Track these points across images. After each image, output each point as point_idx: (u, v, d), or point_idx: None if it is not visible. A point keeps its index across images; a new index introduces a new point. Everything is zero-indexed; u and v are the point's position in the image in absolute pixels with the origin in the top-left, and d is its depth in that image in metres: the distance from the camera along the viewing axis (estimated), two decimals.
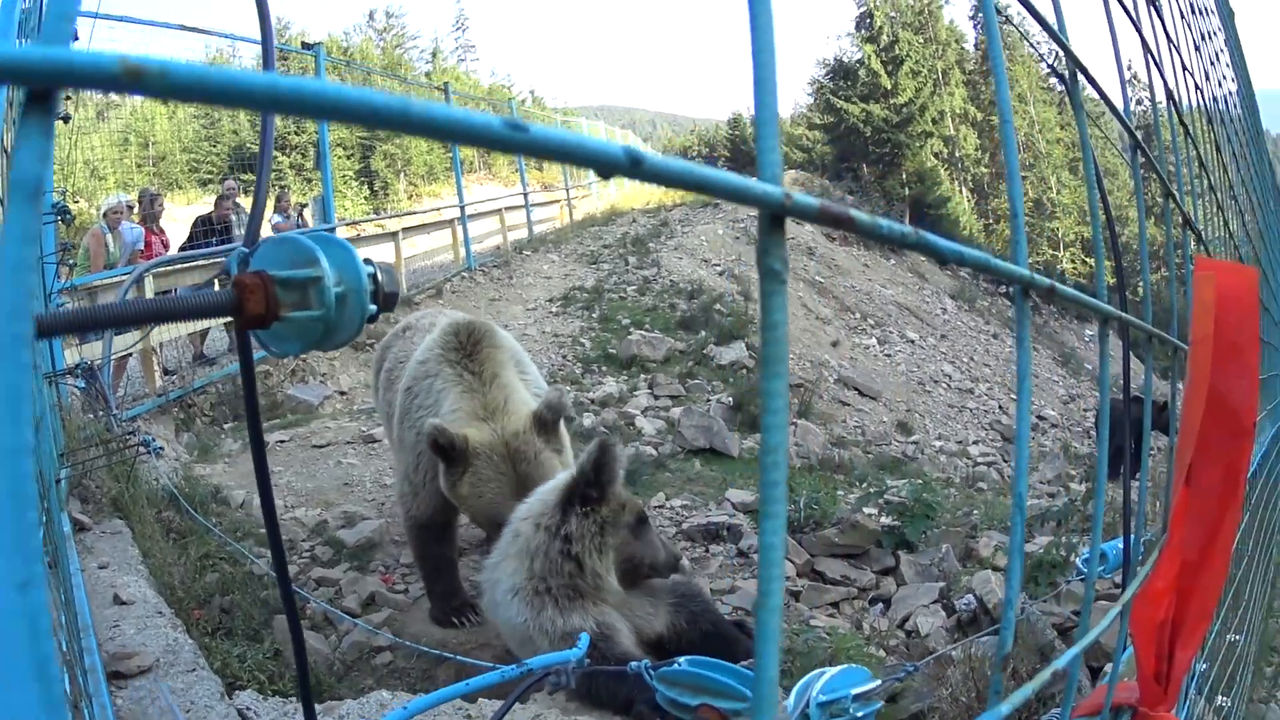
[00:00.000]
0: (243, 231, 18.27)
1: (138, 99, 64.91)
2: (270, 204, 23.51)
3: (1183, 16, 4.67)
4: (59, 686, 0.49)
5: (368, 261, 1.47)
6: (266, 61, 2.05)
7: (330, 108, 0.59)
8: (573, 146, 0.71)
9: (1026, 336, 1.33)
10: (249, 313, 1.25)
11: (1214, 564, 2.32)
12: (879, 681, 3.12)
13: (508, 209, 30.11)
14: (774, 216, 0.82)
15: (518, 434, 6.73)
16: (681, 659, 2.96)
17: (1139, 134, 2.34)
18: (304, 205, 23.02)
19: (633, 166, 0.72)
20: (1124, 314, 2.07)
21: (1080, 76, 2.00)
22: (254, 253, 1.40)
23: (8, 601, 0.48)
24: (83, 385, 9.61)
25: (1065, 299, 1.50)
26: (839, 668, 2.95)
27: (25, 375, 0.49)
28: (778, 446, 0.80)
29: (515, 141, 0.67)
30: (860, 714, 2.88)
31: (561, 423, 7.10)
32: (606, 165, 0.72)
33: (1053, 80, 71.32)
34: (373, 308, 1.46)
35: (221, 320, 17.52)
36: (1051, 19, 1.88)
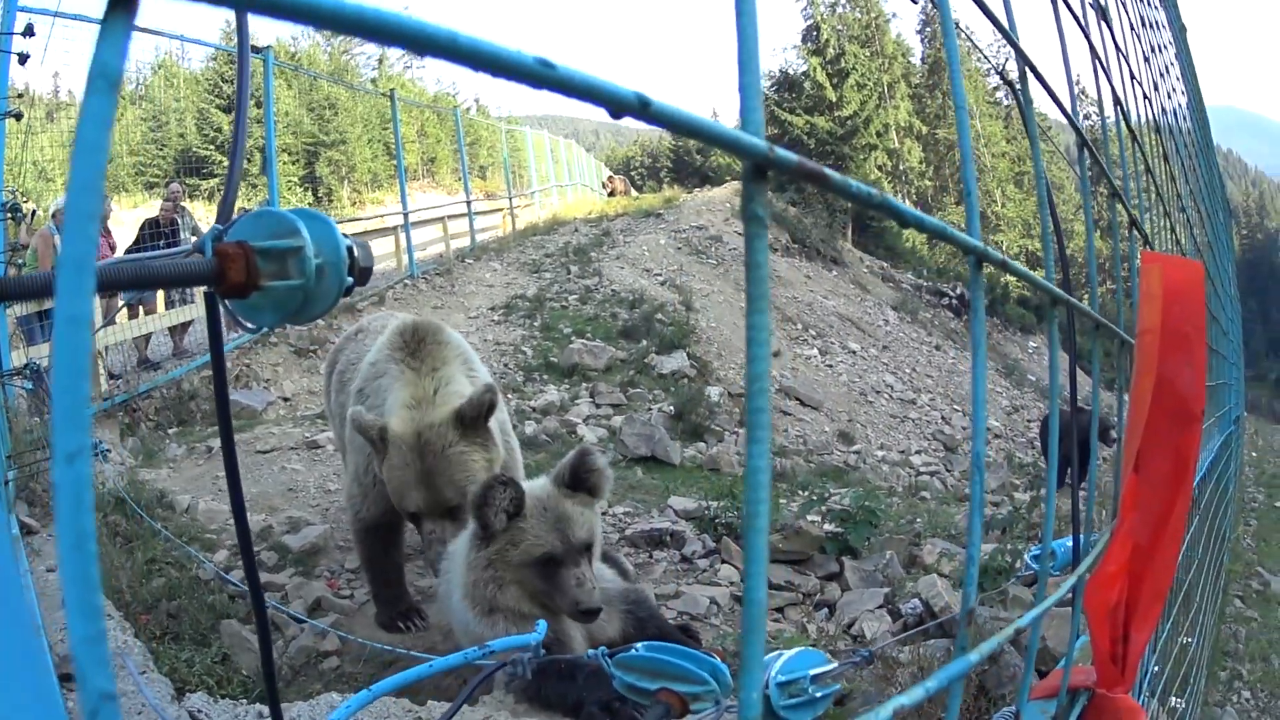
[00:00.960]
0: (189, 235, 18.28)
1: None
2: (213, 208, 23.41)
3: (1133, 29, 4.73)
4: (95, 565, 0.50)
5: (345, 235, 1.50)
6: (241, 77, 2.07)
7: (372, 27, 0.62)
8: (595, 85, 0.75)
9: (980, 305, 1.37)
10: (230, 281, 1.27)
11: (1165, 547, 2.37)
12: (835, 664, 3.14)
13: (451, 217, 30.04)
14: (758, 166, 0.86)
15: (432, 425, 6.73)
16: (639, 644, 2.97)
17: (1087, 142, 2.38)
18: (246, 210, 22.93)
19: (642, 109, 0.78)
20: (1069, 297, 2.10)
21: (1030, 76, 2.03)
22: (231, 226, 1.40)
23: (59, 472, 0.49)
24: (29, 387, 9.54)
25: (1015, 274, 1.54)
26: (795, 649, 2.96)
27: (90, 247, 0.51)
28: (761, 374, 0.87)
29: (546, 77, 0.72)
30: (819, 695, 2.90)
31: (495, 423, 7.09)
32: (621, 105, 0.77)
33: (999, 94, 71.88)
34: (350, 280, 1.49)
35: (180, 320, 17.58)
36: (1003, 19, 1.91)
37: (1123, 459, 2.41)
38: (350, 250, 1.50)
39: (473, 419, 6.84)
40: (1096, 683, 2.39)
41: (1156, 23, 6.57)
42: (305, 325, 12.51)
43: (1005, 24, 1.90)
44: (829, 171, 0.94)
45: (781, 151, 0.87)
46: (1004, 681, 6.22)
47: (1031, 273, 1.67)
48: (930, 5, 73.05)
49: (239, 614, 7.39)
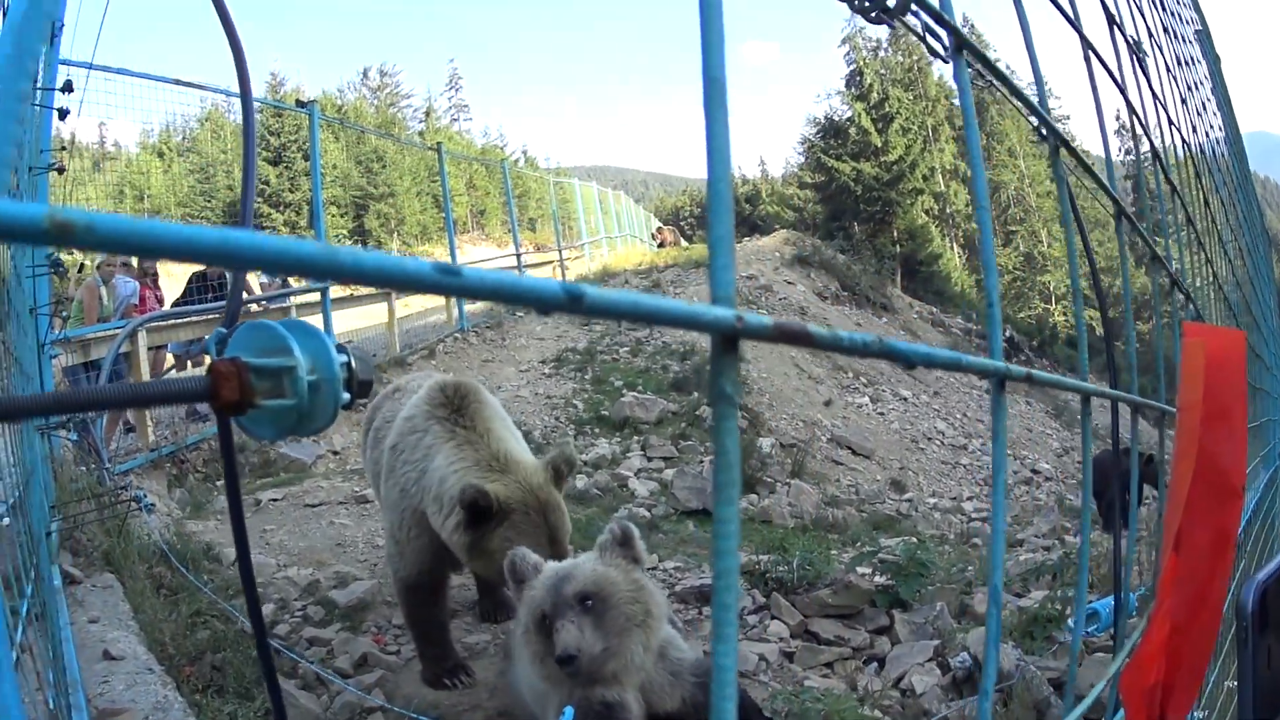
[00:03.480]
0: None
1: (134, 151, 64.91)
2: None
3: (1169, 70, 4.72)
4: None
5: (341, 349, 1.47)
6: (246, 119, 2.09)
7: (254, 258, 0.62)
8: (508, 287, 0.72)
9: (1003, 430, 1.36)
10: (223, 400, 1.26)
11: (1204, 626, 2.35)
12: None
13: (501, 269, 30.11)
14: (726, 339, 0.82)
15: (541, 485, 6.70)
16: None
17: (1128, 183, 2.40)
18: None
19: (572, 303, 0.73)
20: (1106, 390, 2.11)
21: (1063, 150, 2.05)
22: (231, 335, 1.42)
23: None
24: (75, 438, 9.60)
25: (1043, 383, 1.54)
26: None
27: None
28: (729, 571, 0.82)
29: (447, 285, 0.69)
30: None
31: None
32: (544, 303, 0.73)
33: (1034, 137, 71.59)
34: (346, 396, 1.46)
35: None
36: (1031, 91, 1.93)
37: (1162, 539, 2.40)
38: (347, 365, 1.47)
39: (564, 476, 6.93)
40: None
41: (1192, 58, 6.55)
42: (309, 436, 12.44)
43: (1035, 99, 1.92)
44: (812, 329, 0.91)
45: (752, 319, 0.84)
46: None
47: (1060, 378, 1.69)
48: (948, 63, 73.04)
49: (284, 668, 7.37)
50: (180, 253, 0.58)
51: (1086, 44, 2.88)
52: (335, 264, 0.64)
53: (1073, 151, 2.06)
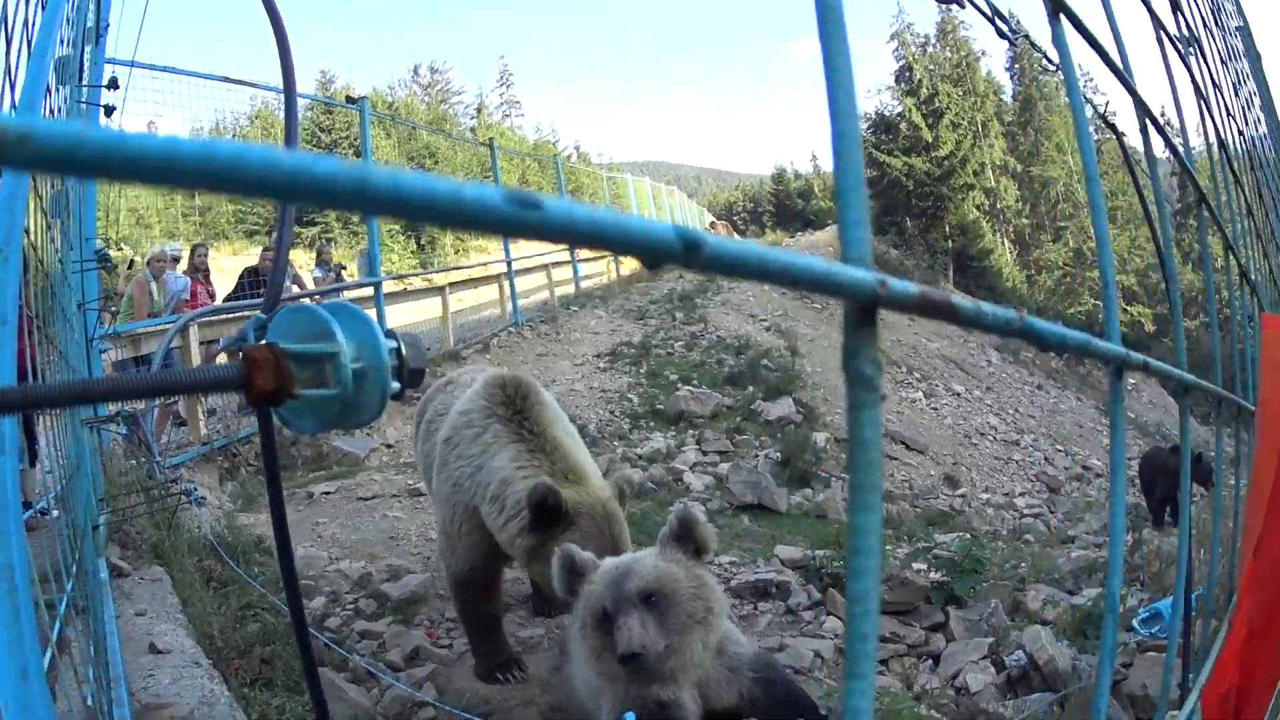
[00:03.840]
0: (290, 285, 18.37)
1: None
2: (313, 256, 23.58)
3: (1222, 61, 4.62)
4: None
5: (390, 334, 1.38)
6: (289, 111, 2.01)
7: (257, 180, 0.50)
8: (608, 229, 0.58)
9: (1120, 418, 1.27)
10: (258, 389, 1.17)
11: None
12: None
13: (555, 264, 30.15)
14: (863, 309, 0.71)
15: (609, 499, 6.69)
16: None
17: (1173, 179, 2.32)
18: (343, 266, 22.85)
19: (688, 252, 0.60)
20: (1202, 382, 2.02)
21: (1150, 126, 1.96)
22: (270, 320, 1.32)
23: None
24: (125, 432, 9.60)
25: (1156, 373, 1.46)
26: None
27: None
28: (866, 594, 0.70)
29: (522, 222, 0.54)
30: None
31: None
32: (652, 251, 0.60)
33: (1092, 129, 71.18)
34: (395, 385, 1.36)
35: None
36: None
37: (1240, 543, 2.32)
38: (396, 352, 1.37)
39: (628, 498, 6.97)
40: None
41: (1236, 51, 6.45)
42: (354, 429, 12.33)
43: (1120, 69, 1.84)
44: (957, 301, 0.79)
45: (896, 285, 0.72)
46: None
47: (1172, 369, 1.61)
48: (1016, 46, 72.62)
49: (334, 662, 7.33)
50: (149, 173, 0.46)
51: (1157, 22, 2.78)
52: (366, 188, 0.50)
53: (1160, 128, 1.97)
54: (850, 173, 0.73)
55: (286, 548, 1.72)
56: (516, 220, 0.54)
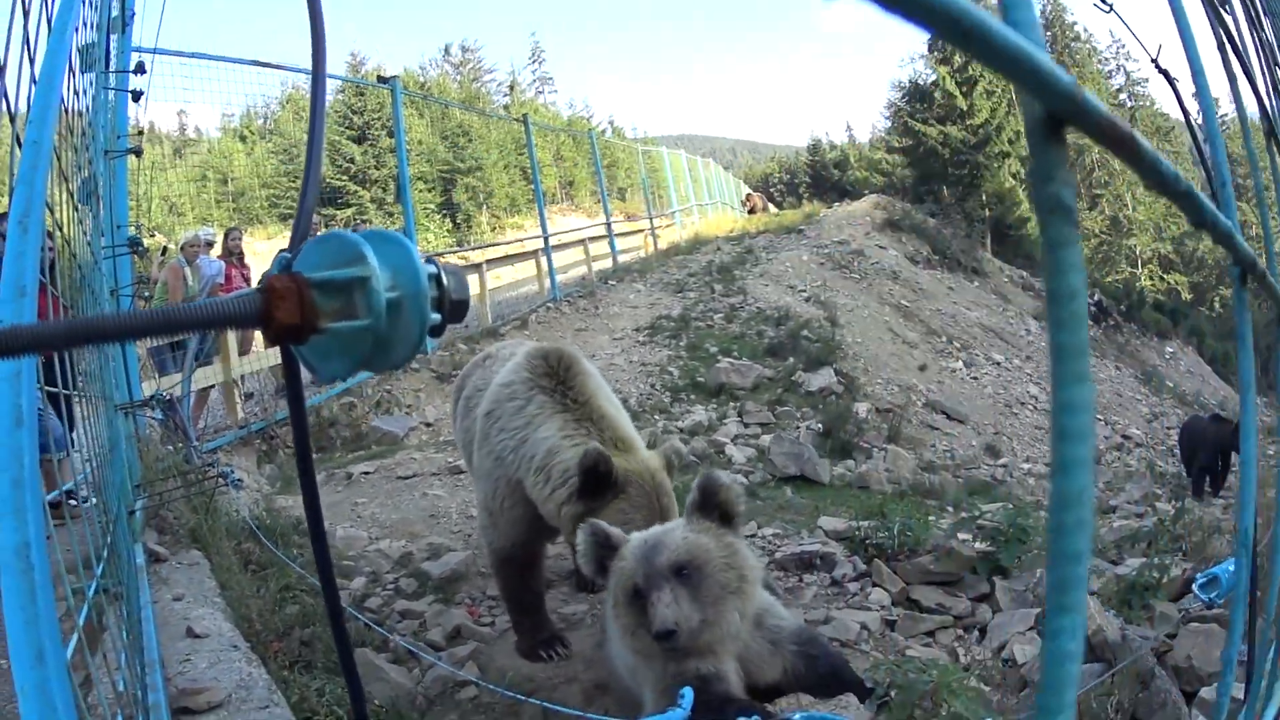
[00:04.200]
0: None
1: (215, 135, 65.75)
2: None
3: (1250, 21, 4.47)
4: None
5: (430, 260, 1.23)
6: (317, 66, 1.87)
7: None
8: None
9: (1247, 331, 1.15)
10: (279, 322, 0.99)
11: None
12: None
13: (591, 239, 30.20)
14: (1052, 120, 0.59)
15: (658, 469, 6.65)
16: (795, 715, 2.78)
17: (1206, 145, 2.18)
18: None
19: None
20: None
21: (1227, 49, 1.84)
22: (296, 256, 1.17)
23: None
24: (160, 417, 9.57)
25: (1268, 289, 1.32)
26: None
27: None
28: (1081, 494, 0.60)
29: None
30: None
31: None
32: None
33: (1122, 97, 71.24)
34: (435, 316, 1.21)
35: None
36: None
37: None
38: (437, 279, 1.22)
39: (675, 470, 6.92)
40: None
41: (1268, 9, 6.28)
42: (386, 372, 12.25)
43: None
44: (1138, 137, 0.69)
45: (1091, 96, 0.61)
46: (1155, 709, 5.96)
47: None
48: (1049, 6, 72.63)
49: (375, 642, 7.30)
50: None
51: None
52: None
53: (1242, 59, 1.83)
54: None
55: (316, 508, 1.58)
56: None
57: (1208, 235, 0.94)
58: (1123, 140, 0.66)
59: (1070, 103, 0.57)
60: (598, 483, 6.34)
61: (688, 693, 3.72)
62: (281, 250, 1.29)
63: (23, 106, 3.03)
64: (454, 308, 1.22)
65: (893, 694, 5.76)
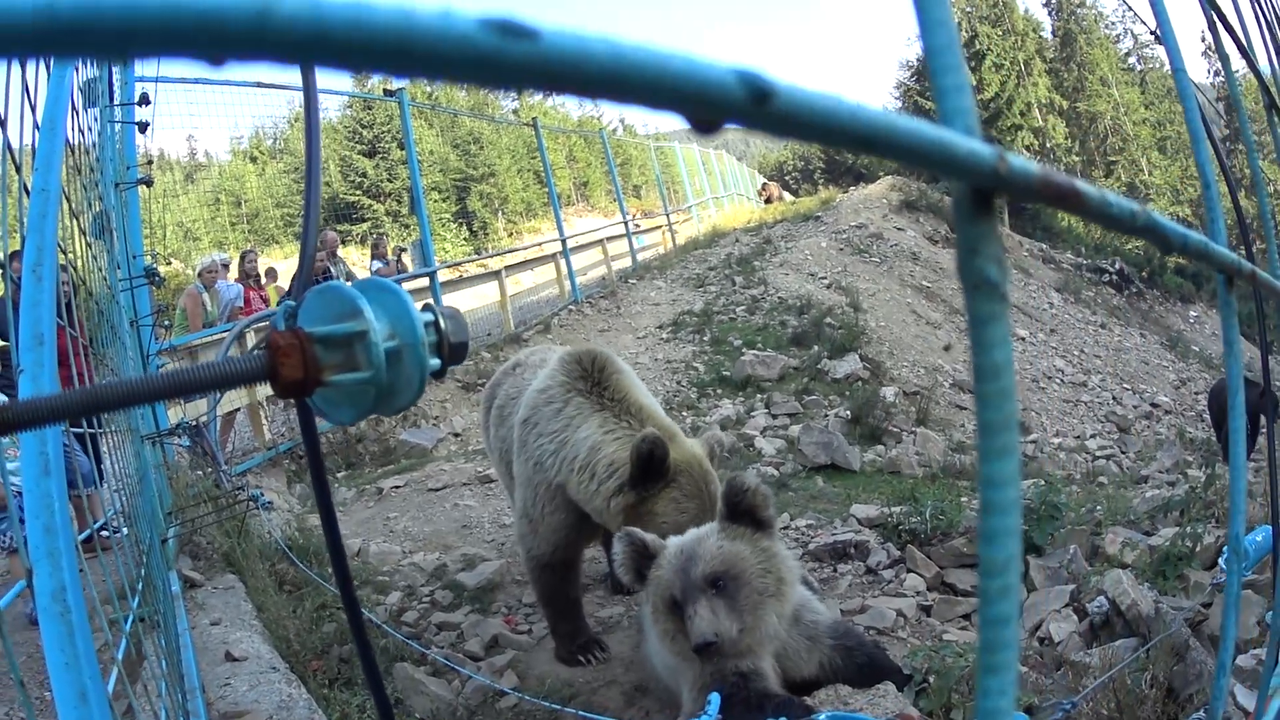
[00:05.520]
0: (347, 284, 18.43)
1: (225, 159, 65.86)
2: (368, 251, 23.68)
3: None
4: None
5: (427, 308, 1.26)
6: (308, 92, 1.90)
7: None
8: (639, 67, 0.44)
9: (1235, 335, 1.17)
10: (284, 379, 1.05)
11: None
12: None
13: (609, 239, 30.15)
14: (979, 193, 0.59)
15: (704, 458, 6.68)
16: (822, 715, 2.81)
17: (1219, 106, 2.19)
18: (402, 249, 22.84)
19: (754, 104, 0.46)
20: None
21: (1219, 26, 1.85)
22: (299, 306, 1.21)
23: None
24: (188, 443, 9.62)
25: (1263, 284, 1.34)
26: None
27: None
28: (1007, 564, 0.59)
29: (510, 60, 0.41)
30: None
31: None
32: (706, 102, 0.46)
33: (1131, 60, 70.93)
34: (435, 362, 1.25)
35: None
36: None
37: None
38: (434, 326, 1.25)
39: (717, 459, 6.92)
40: None
41: None
42: (395, 415, 12.30)
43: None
44: (1081, 187, 0.67)
45: (1017, 161, 0.60)
46: (1191, 680, 5.94)
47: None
48: None
49: (413, 656, 7.31)
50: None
51: None
52: (269, 22, 0.37)
53: (1229, 28, 1.84)
54: (938, 27, 0.61)
55: (333, 528, 1.61)
56: (499, 58, 0.41)
57: (1181, 258, 0.96)
58: (1064, 195, 0.66)
59: (994, 178, 0.58)
60: (652, 470, 6.36)
61: (714, 698, 3.75)
62: (284, 298, 1.32)
63: (26, 141, 3.07)
64: (453, 351, 1.25)
65: (931, 679, 5.77)
